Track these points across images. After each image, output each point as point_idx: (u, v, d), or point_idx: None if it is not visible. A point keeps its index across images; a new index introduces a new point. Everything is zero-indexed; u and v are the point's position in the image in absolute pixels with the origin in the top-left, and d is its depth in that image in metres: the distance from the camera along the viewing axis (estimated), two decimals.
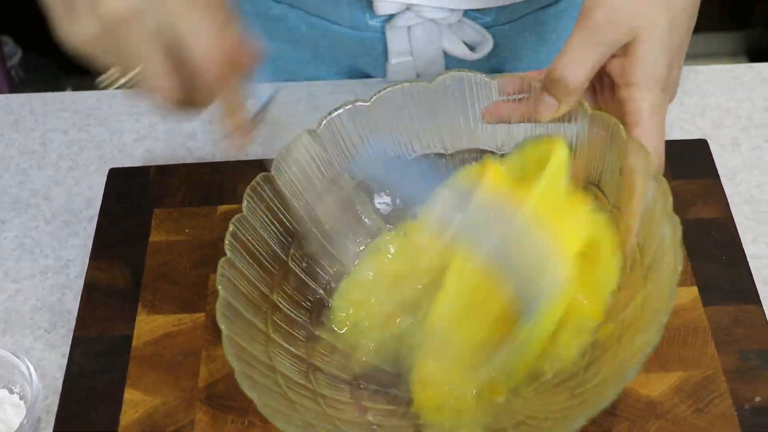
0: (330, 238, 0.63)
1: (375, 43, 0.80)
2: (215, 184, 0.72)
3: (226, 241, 0.57)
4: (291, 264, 0.61)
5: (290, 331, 0.59)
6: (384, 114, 0.63)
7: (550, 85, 0.55)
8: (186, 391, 0.61)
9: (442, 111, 0.63)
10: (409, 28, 0.77)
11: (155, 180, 0.73)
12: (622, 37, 0.54)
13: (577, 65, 0.54)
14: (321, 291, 0.62)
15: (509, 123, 0.62)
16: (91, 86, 0.85)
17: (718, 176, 0.71)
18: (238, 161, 0.74)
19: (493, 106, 0.61)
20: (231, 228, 0.58)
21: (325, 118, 0.62)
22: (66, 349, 0.64)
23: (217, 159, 0.77)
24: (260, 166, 0.62)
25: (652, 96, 0.54)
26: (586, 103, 0.57)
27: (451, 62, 0.80)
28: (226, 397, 0.60)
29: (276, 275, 0.60)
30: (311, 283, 0.62)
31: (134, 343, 0.63)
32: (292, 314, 0.60)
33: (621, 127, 0.55)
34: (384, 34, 0.78)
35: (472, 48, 0.79)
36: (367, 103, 0.62)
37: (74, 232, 0.73)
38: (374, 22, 0.78)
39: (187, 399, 0.60)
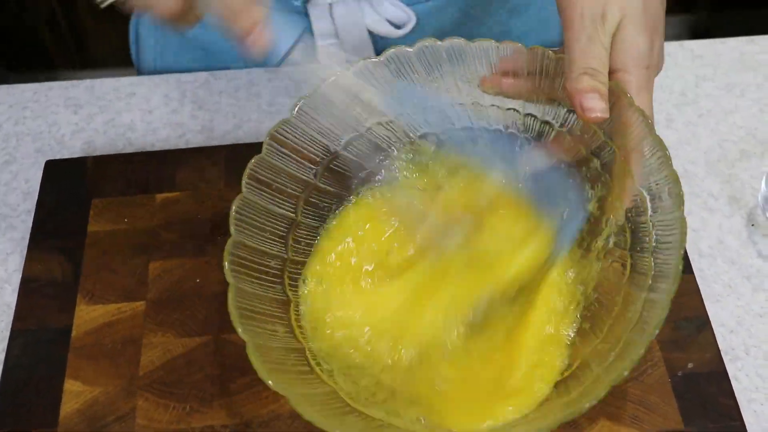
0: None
1: (300, 25, 0.80)
2: (153, 172, 0.71)
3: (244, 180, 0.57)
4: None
5: None
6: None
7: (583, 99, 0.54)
8: (126, 380, 0.60)
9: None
10: (330, 5, 0.77)
11: (93, 171, 0.72)
12: (612, 26, 0.55)
13: (597, 67, 0.54)
14: None
15: (507, 97, 0.62)
16: (29, 80, 0.85)
17: None
18: (176, 149, 0.74)
19: (493, 79, 0.61)
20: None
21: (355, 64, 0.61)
22: (5, 345, 0.64)
23: (156, 148, 0.76)
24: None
25: (637, 77, 0.55)
26: None
27: (379, 43, 0.81)
28: (167, 384, 0.60)
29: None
30: None
31: (74, 333, 0.63)
32: None
33: (625, 91, 0.55)
34: (307, 15, 0.78)
35: (397, 26, 0.79)
36: (381, 59, 0.61)
37: (12, 226, 0.72)
38: (297, 2, 0.78)
39: (128, 387, 0.60)
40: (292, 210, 0.61)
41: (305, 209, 0.62)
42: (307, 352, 0.56)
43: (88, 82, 0.82)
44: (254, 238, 0.57)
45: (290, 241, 0.60)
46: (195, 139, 0.78)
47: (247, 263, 0.56)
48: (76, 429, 0.58)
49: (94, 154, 0.75)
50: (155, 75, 0.83)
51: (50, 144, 0.78)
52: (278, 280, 0.58)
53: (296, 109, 0.60)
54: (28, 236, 0.70)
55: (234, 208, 0.56)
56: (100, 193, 0.70)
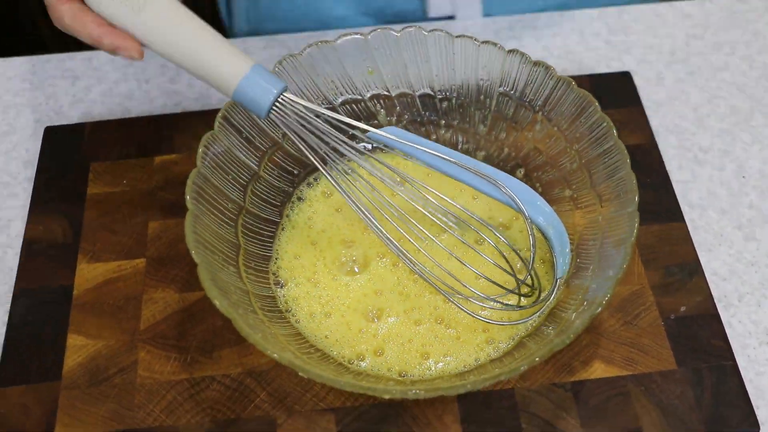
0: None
1: None
2: (151, 136, 0.72)
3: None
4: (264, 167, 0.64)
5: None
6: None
7: None
8: (128, 334, 0.62)
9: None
10: None
11: (91, 136, 0.73)
12: None
13: None
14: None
15: None
16: (23, 53, 0.85)
17: (641, 105, 0.73)
18: (172, 114, 0.75)
19: None
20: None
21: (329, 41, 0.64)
22: (8, 306, 0.65)
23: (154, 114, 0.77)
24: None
25: None
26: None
27: None
28: (168, 337, 0.61)
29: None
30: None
31: (75, 291, 0.64)
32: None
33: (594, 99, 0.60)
34: None
35: None
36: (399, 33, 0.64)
37: (13, 193, 0.73)
38: None
39: (130, 341, 0.61)
40: (256, 162, 0.63)
41: (268, 166, 0.64)
42: (251, 295, 0.58)
43: (84, 53, 0.83)
44: (217, 176, 0.60)
45: (248, 192, 0.62)
46: (192, 106, 0.78)
47: (207, 197, 0.58)
48: (79, 381, 0.59)
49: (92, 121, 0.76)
50: None
51: (49, 114, 0.79)
52: (232, 224, 0.60)
53: (281, 64, 0.63)
54: (29, 203, 0.71)
55: (203, 142, 0.59)
56: (98, 157, 0.71)
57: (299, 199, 0.66)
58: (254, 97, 0.56)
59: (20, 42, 1.49)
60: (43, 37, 1.49)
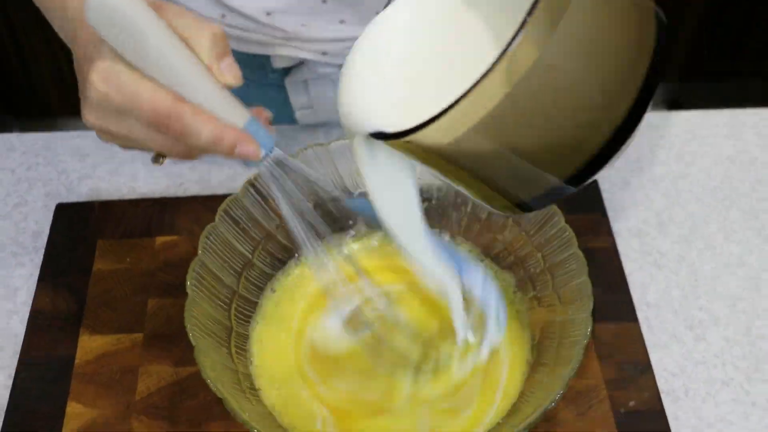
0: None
1: (276, 96, 0.88)
2: (154, 217, 0.79)
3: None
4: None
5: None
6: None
7: None
8: (123, 404, 0.67)
9: None
10: (306, 82, 0.85)
11: (99, 214, 0.79)
12: None
13: None
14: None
15: None
16: (38, 128, 0.92)
17: (605, 212, 0.79)
18: (175, 197, 0.81)
19: None
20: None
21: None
22: (12, 371, 0.70)
23: (157, 196, 0.83)
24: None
25: None
26: None
27: None
28: (160, 408, 0.66)
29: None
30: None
31: (77, 361, 0.69)
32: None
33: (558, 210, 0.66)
34: (284, 87, 0.86)
35: None
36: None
37: (21, 263, 0.79)
38: (273, 76, 0.86)
39: (124, 411, 0.66)
40: (250, 251, 0.69)
41: (261, 254, 0.70)
42: (240, 375, 0.64)
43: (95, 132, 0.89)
44: (215, 263, 0.66)
45: (242, 278, 0.68)
46: (193, 188, 0.85)
47: (205, 283, 0.64)
48: None
49: (100, 199, 0.82)
50: None
51: (58, 189, 0.85)
52: (226, 307, 0.66)
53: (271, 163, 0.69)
54: (35, 272, 0.77)
55: (205, 232, 0.65)
56: (105, 235, 0.77)
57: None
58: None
59: (30, 106, 1.56)
60: (51, 106, 1.56)
